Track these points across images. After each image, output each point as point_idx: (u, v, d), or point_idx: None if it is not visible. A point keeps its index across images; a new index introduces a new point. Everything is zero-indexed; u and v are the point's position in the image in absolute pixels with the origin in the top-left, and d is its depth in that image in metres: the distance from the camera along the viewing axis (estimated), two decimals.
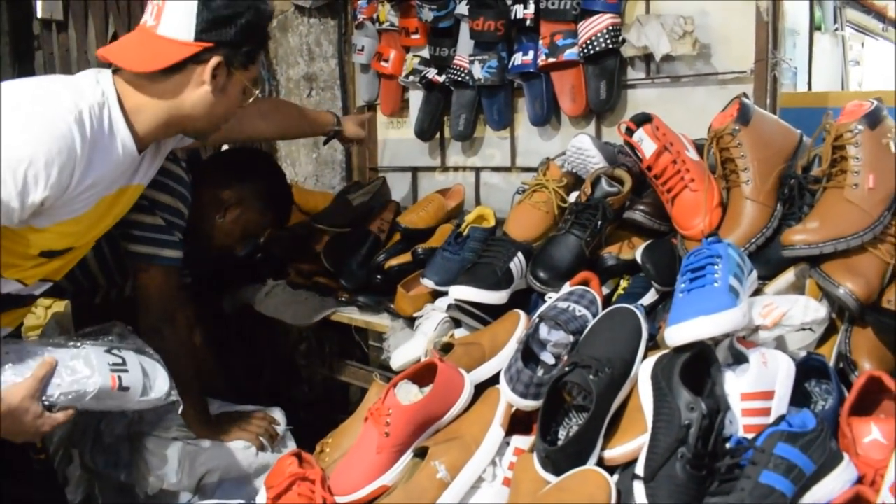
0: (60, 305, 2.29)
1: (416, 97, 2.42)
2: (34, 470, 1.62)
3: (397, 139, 2.59)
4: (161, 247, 1.67)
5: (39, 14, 2.15)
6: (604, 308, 1.40)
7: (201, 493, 1.81)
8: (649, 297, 1.53)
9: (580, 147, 1.74)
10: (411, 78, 2.34)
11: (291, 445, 1.93)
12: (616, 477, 1.14)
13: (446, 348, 1.45)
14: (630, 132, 1.57)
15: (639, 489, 1.05)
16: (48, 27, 2.20)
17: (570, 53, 1.96)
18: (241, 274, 2.33)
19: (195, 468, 1.78)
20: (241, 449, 1.81)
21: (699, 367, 1.15)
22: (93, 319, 1.67)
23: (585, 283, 1.50)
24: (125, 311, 1.72)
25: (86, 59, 2.25)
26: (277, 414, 1.95)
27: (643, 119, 1.57)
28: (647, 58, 1.92)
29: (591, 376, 1.15)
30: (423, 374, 1.38)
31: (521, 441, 1.29)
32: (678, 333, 1.15)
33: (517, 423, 1.34)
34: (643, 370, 1.20)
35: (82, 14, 2.25)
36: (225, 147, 2.31)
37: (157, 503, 1.83)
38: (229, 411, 1.90)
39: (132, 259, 1.70)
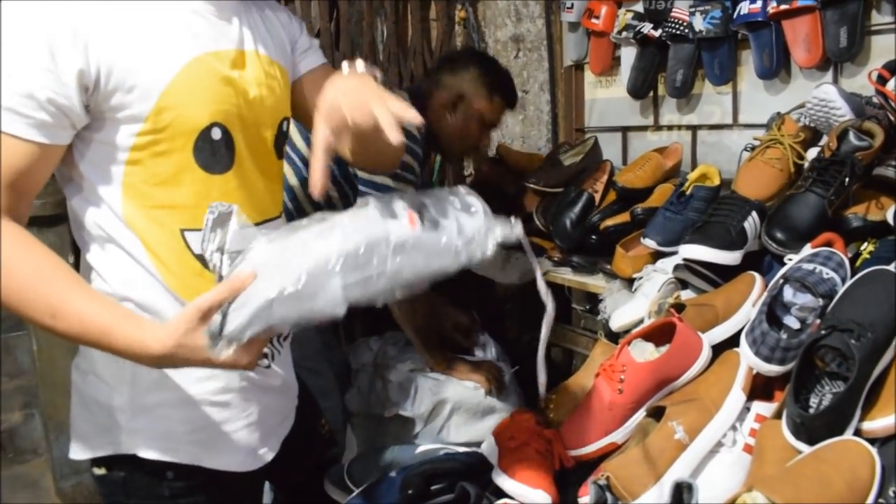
0: None
1: (627, 54, 2.34)
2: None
3: (606, 98, 2.53)
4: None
5: None
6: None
7: (432, 422, 1.95)
8: None
9: (824, 98, 1.61)
10: (624, 34, 2.26)
11: (515, 397, 2.02)
12: (874, 450, 1.06)
13: (678, 308, 1.40)
14: (883, 80, 1.44)
15: None
16: None
17: None
18: None
19: (429, 397, 1.93)
20: (471, 388, 1.94)
21: None
22: None
23: (828, 244, 1.40)
24: None
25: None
26: (503, 366, 2.06)
27: None
28: None
29: (852, 340, 1.07)
30: (655, 334, 1.35)
31: (763, 407, 1.23)
32: None
33: (754, 390, 1.27)
34: None
35: None
36: None
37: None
38: (463, 356, 2.04)
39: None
